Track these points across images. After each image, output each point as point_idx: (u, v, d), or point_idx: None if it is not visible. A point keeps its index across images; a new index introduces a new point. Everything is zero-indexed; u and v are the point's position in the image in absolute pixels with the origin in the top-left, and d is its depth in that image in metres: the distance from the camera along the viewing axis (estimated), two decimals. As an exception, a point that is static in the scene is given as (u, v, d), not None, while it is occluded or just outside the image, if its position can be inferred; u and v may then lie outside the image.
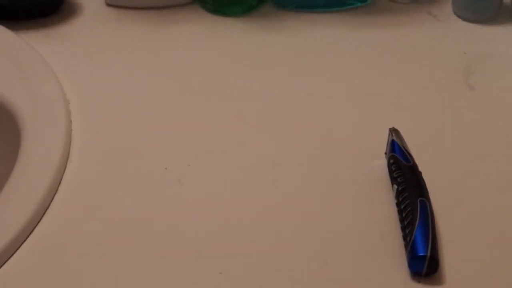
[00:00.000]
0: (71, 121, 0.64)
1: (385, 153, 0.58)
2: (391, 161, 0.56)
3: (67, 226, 0.54)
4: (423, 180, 0.54)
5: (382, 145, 0.59)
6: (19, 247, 0.52)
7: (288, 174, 0.58)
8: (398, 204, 0.53)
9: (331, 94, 0.68)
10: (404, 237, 0.51)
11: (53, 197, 0.56)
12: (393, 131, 0.58)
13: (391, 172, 0.56)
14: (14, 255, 0.51)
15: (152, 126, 0.64)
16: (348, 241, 0.52)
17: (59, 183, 0.57)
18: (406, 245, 0.50)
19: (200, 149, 0.61)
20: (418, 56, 0.73)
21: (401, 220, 0.52)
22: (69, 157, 0.60)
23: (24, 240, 0.52)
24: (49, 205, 0.55)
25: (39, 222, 0.54)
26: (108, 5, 0.81)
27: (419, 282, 0.49)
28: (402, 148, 0.56)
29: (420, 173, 0.55)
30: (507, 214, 0.55)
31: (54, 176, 0.57)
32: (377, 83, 0.69)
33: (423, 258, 0.48)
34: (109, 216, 0.55)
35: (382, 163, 0.58)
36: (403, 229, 0.51)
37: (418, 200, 0.52)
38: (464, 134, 0.62)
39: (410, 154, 0.56)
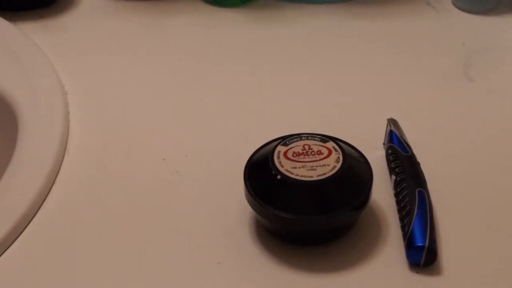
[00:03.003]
0: (68, 112, 0.63)
1: (383, 144, 0.58)
2: (389, 151, 0.56)
3: (64, 218, 0.54)
4: (421, 171, 0.54)
5: (380, 136, 0.59)
6: (16, 239, 0.52)
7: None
8: (396, 195, 0.53)
9: (329, 84, 0.68)
10: (402, 228, 0.51)
11: (51, 188, 0.56)
12: (392, 121, 0.58)
13: (389, 162, 0.56)
14: (11, 247, 0.51)
15: (150, 117, 0.64)
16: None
17: (57, 175, 0.57)
18: (404, 236, 0.50)
19: (198, 140, 0.61)
20: (416, 47, 0.73)
21: (399, 211, 0.52)
22: (66, 148, 0.60)
23: (21, 232, 0.52)
24: (46, 196, 0.55)
25: (36, 213, 0.54)
26: (106, -4, 0.81)
27: (417, 272, 0.49)
28: (401, 138, 0.56)
29: (418, 163, 0.55)
30: (506, 204, 0.54)
31: (52, 167, 0.57)
32: (375, 73, 0.69)
33: (421, 249, 0.48)
34: (106, 207, 0.55)
35: (380, 153, 0.58)
36: (401, 219, 0.51)
37: (416, 190, 0.52)
38: (462, 125, 0.62)
39: (408, 145, 0.56)
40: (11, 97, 0.64)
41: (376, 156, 0.57)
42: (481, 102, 0.65)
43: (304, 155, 0.50)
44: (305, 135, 0.52)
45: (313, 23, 0.77)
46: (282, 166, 0.50)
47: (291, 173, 0.49)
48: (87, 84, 0.68)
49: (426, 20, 0.77)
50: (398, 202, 0.53)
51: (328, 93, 0.67)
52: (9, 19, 0.75)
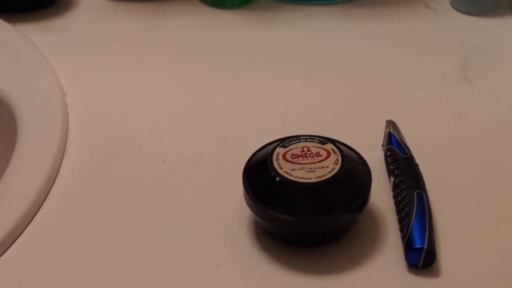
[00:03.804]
0: (68, 114, 0.63)
1: (382, 145, 0.58)
2: (388, 153, 0.56)
3: (64, 219, 0.54)
4: (420, 173, 0.54)
5: (379, 137, 0.59)
6: (15, 240, 0.52)
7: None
8: (395, 196, 0.53)
9: (328, 86, 0.68)
10: (401, 229, 0.51)
11: (50, 190, 0.56)
12: (390, 123, 0.58)
13: (388, 164, 0.56)
14: (10, 248, 0.51)
15: (149, 119, 0.64)
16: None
17: (56, 176, 0.57)
18: (403, 237, 0.50)
19: (197, 141, 0.61)
20: (415, 49, 0.73)
21: (398, 212, 0.52)
22: (65, 150, 0.60)
23: (21, 233, 0.52)
24: (45, 198, 0.55)
25: (36, 214, 0.54)
26: (105, -3, 0.81)
27: (415, 274, 0.49)
28: (399, 140, 0.56)
29: (417, 165, 0.55)
30: (505, 205, 0.54)
31: (51, 169, 0.57)
32: (374, 75, 0.69)
33: (420, 251, 0.48)
34: (105, 209, 0.55)
35: (379, 155, 0.58)
36: (399, 221, 0.51)
37: (415, 192, 0.52)
38: (461, 127, 0.62)
39: (407, 146, 0.56)
40: (10, 99, 0.64)
41: (375, 158, 0.57)
42: (480, 104, 0.65)
43: (303, 157, 0.50)
44: (303, 137, 0.52)
45: (312, 25, 0.77)
46: (281, 168, 0.50)
47: (290, 175, 0.49)
48: (86, 85, 0.68)
49: (425, 22, 0.77)
50: (396, 204, 0.53)
51: (327, 94, 0.67)
52: (8, 20, 0.75)
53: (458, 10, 0.78)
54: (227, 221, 0.53)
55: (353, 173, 0.51)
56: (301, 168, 0.50)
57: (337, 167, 0.50)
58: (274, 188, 0.49)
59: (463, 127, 0.62)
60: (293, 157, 0.50)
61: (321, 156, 0.50)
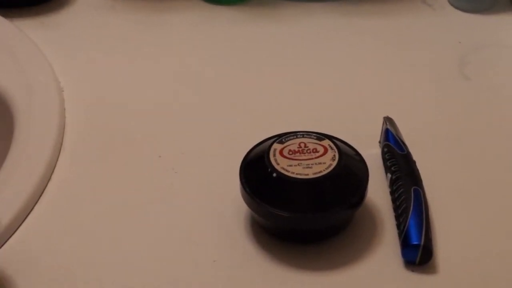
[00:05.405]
0: (64, 109, 0.63)
1: (379, 142, 0.58)
2: (385, 150, 0.56)
3: (60, 214, 0.54)
4: (417, 169, 0.54)
5: (376, 134, 0.59)
6: (12, 235, 0.52)
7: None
8: (392, 193, 0.53)
9: (325, 82, 0.68)
10: (398, 226, 0.51)
11: (46, 185, 0.56)
12: (387, 119, 0.58)
13: (385, 160, 0.56)
14: (7, 243, 0.52)
15: (146, 114, 0.64)
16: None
17: (53, 171, 0.57)
18: (399, 234, 0.50)
19: (194, 137, 0.61)
20: (413, 46, 0.73)
21: (395, 209, 0.52)
22: (62, 145, 0.60)
23: (18, 228, 0.52)
24: (42, 193, 0.55)
25: (32, 209, 0.54)
26: (103, -7, 0.81)
27: (412, 271, 0.49)
28: (396, 137, 0.56)
29: (414, 162, 0.55)
30: (502, 203, 0.55)
31: (48, 164, 0.57)
32: (372, 72, 0.69)
33: (417, 247, 0.48)
34: (102, 204, 0.55)
35: (376, 151, 0.58)
36: (397, 217, 0.51)
37: (412, 188, 0.52)
38: (458, 124, 0.62)
39: (404, 143, 0.56)
40: (7, 94, 0.64)
41: (372, 154, 0.57)
42: (477, 100, 0.65)
43: (300, 153, 0.50)
44: (301, 133, 0.52)
45: (309, 21, 0.76)
46: (278, 164, 0.50)
47: (287, 171, 0.49)
48: (83, 81, 0.68)
49: (422, 19, 0.77)
50: (393, 200, 0.53)
51: (324, 91, 0.67)
52: (5, 15, 0.75)
53: (455, 7, 0.78)
54: (224, 217, 0.53)
55: (350, 170, 0.51)
56: (298, 164, 0.50)
57: (334, 163, 0.50)
58: (271, 184, 0.49)
59: (460, 124, 0.62)
60: (290, 153, 0.50)
61: (318, 152, 0.50)
